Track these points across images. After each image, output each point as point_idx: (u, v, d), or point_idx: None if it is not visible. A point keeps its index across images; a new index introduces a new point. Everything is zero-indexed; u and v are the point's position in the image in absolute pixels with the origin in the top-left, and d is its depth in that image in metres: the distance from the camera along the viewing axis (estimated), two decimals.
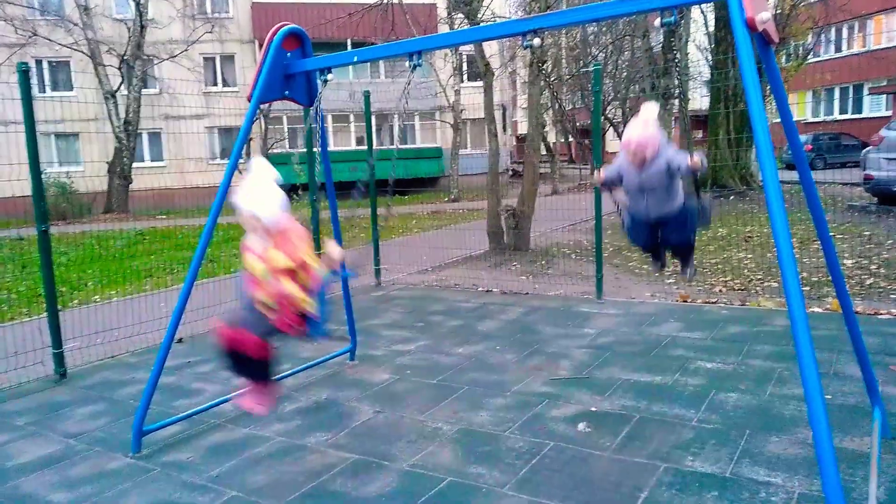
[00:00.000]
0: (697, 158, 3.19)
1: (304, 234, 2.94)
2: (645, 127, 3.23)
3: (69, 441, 3.83)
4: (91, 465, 3.51)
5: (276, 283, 2.89)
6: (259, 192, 2.88)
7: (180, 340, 5.84)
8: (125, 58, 21.89)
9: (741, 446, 3.27)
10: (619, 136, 30.00)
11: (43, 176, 4.83)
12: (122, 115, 22.27)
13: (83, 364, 5.33)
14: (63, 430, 4.01)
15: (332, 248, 3.00)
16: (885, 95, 27.36)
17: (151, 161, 25.35)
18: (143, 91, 22.73)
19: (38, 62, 23.35)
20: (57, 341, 4.97)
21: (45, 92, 23.58)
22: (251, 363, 3.02)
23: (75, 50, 22.02)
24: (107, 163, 22.37)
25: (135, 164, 22.63)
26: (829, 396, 3.77)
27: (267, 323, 2.96)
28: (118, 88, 22.39)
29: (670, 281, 7.41)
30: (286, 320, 2.97)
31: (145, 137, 25.11)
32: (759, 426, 3.48)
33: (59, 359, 4.99)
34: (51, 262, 4.88)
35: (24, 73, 4.58)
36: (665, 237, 3.54)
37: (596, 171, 3.63)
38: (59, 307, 5.12)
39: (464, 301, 6.99)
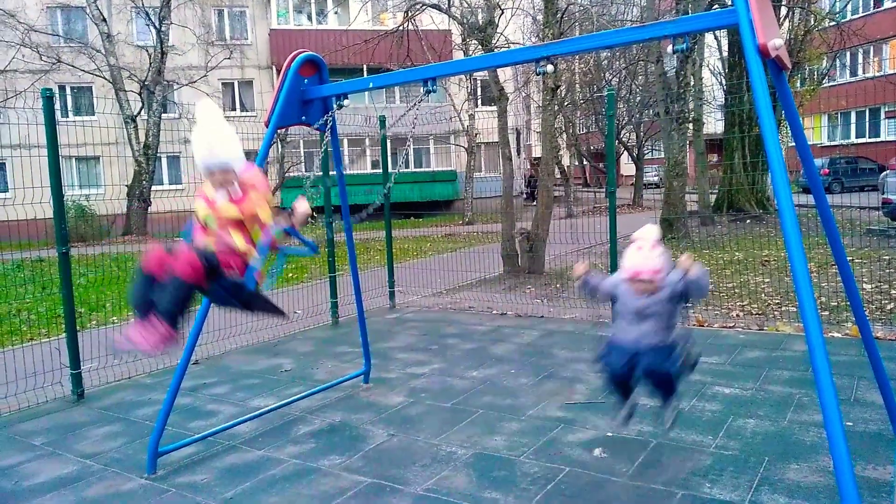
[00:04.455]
0: (686, 261, 2.94)
1: (264, 185, 2.87)
2: (653, 255, 2.96)
3: (85, 461, 3.85)
4: (106, 485, 3.52)
5: (222, 233, 2.82)
6: (222, 140, 2.72)
7: (196, 362, 5.87)
8: (146, 83, 22.32)
9: (760, 474, 3.22)
10: (634, 160, 30.06)
11: (63, 198, 4.92)
12: (142, 139, 22.65)
13: (100, 385, 5.37)
14: (79, 450, 4.03)
15: (300, 205, 2.95)
16: None
17: (170, 184, 25.70)
18: (163, 116, 23.13)
19: (62, 88, 23.86)
20: (75, 362, 5.01)
21: (67, 116, 24.07)
22: (170, 287, 2.68)
23: (97, 76, 22.51)
24: (126, 186, 22.69)
25: (154, 187, 22.95)
26: (849, 423, 3.71)
27: (207, 254, 2.76)
28: (138, 113, 22.80)
29: (687, 305, 7.34)
30: (227, 261, 2.81)
31: (164, 161, 25.48)
32: (779, 453, 3.42)
33: (77, 379, 5.04)
34: (70, 284, 4.95)
35: (48, 99, 4.68)
36: (646, 366, 3.02)
37: (580, 264, 3.28)
38: (78, 328, 5.17)
39: (478, 324, 6.97)
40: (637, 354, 3.04)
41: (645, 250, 2.97)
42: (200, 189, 2.88)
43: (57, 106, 4.82)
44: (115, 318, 8.43)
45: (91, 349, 5.78)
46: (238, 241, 2.79)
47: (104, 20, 22.28)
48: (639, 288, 3.03)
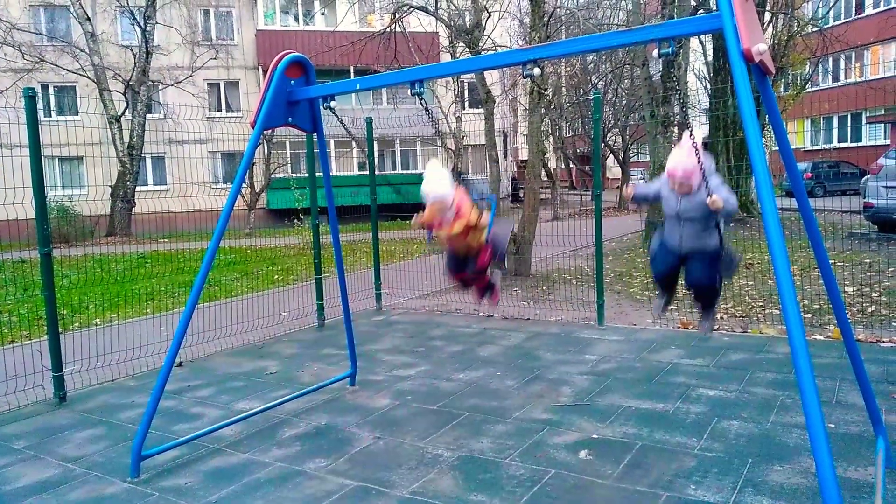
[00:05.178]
0: (715, 197, 3.23)
1: (468, 201, 4.09)
2: (690, 157, 3.20)
3: (67, 465, 3.81)
4: (89, 489, 3.48)
5: (464, 239, 4.10)
6: (440, 181, 3.98)
7: (180, 364, 5.82)
8: (130, 83, 22.14)
9: (744, 475, 3.24)
10: (620, 163, 30.25)
11: (46, 199, 4.86)
12: (127, 139, 22.46)
13: (83, 387, 5.31)
14: (61, 453, 3.98)
15: (485, 217, 4.13)
16: (883, 124, 27.58)
17: (154, 185, 25.49)
18: (148, 116, 22.94)
19: (45, 87, 23.62)
20: (57, 364, 4.95)
21: (50, 116, 23.81)
22: (482, 287, 4.48)
23: (81, 75, 22.28)
24: (110, 186, 22.48)
25: (138, 188, 22.75)
26: (831, 425, 3.76)
27: (473, 263, 4.20)
28: (123, 113, 22.61)
29: (671, 307, 7.39)
30: (481, 256, 4.17)
31: (149, 161, 25.26)
32: (762, 455, 3.45)
33: (59, 382, 4.97)
34: (53, 285, 4.89)
35: (30, 99, 4.62)
36: (689, 273, 3.53)
37: (625, 186, 3.80)
38: (60, 330, 5.11)
39: (465, 326, 6.98)
40: (680, 256, 3.50)
41: (683, 153, 3.27)
42: (427, 221, 4.15)
43: (40, 105, 4.77)
44: (98, 319, 8.35)
45: (74, 351, 5.71)
46: (475, 237, 4.12)
47: (88, 19, 22.08)
48: (676, 187, 3.38)
